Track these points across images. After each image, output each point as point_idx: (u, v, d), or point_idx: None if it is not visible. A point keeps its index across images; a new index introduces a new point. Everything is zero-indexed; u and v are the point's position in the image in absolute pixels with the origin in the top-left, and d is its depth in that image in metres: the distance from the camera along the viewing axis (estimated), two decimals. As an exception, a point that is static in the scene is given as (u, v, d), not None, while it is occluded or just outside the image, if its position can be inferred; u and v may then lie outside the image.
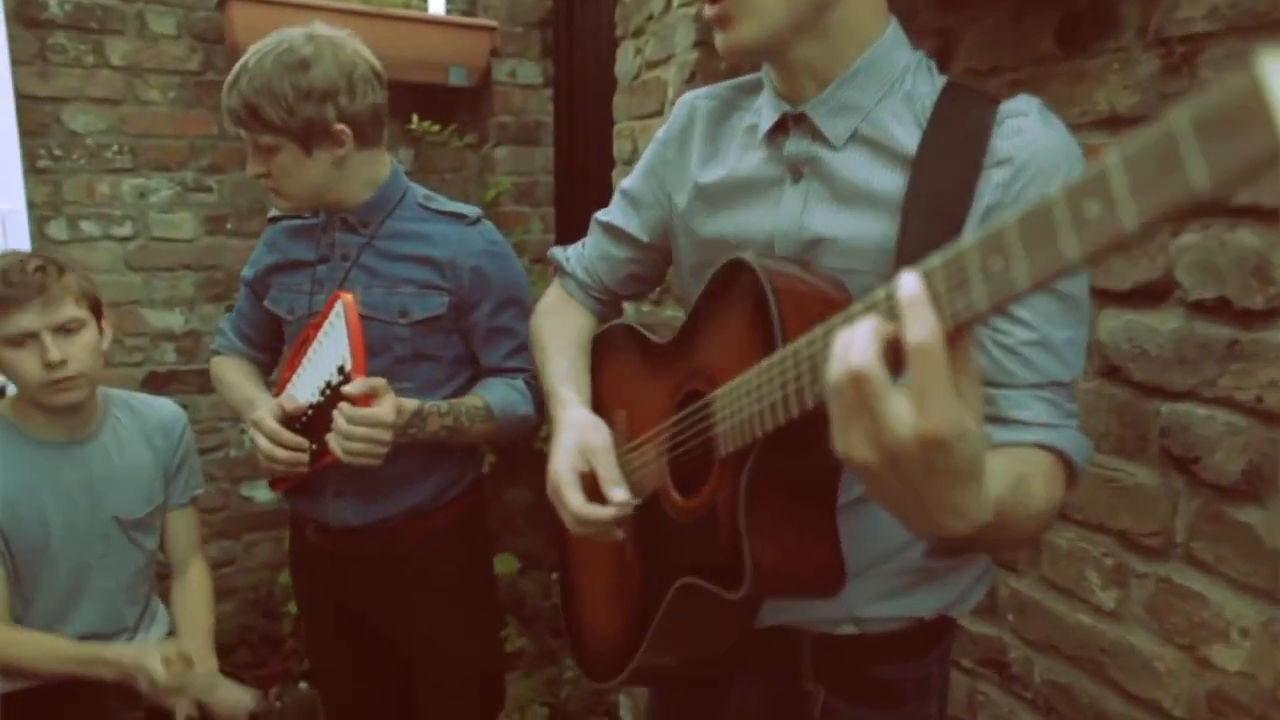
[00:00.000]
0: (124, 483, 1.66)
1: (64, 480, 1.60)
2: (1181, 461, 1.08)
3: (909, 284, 0.51)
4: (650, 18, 1.93)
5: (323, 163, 1.40)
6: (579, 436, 0.95)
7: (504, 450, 2.61)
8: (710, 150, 0.99)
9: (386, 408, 1.33)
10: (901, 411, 0.52)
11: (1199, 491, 1.07)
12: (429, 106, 2.80)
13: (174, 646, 1.57)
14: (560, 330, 1.12)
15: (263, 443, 1.42)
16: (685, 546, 0.87)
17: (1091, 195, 0.42)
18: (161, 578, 1.79)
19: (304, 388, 1.47)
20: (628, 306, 2.05)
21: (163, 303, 2.74)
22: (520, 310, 1.50)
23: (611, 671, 0.99)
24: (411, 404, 1.39)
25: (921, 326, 0.50)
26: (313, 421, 1.43)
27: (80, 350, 1.53)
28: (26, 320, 1.47)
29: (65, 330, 1.51)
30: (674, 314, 1.98)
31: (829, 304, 0.74)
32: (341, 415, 1.32)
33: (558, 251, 1.19)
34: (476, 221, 1.52)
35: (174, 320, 2.76)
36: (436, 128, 2.73)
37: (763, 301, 0.76)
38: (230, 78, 1.36)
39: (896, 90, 0.86)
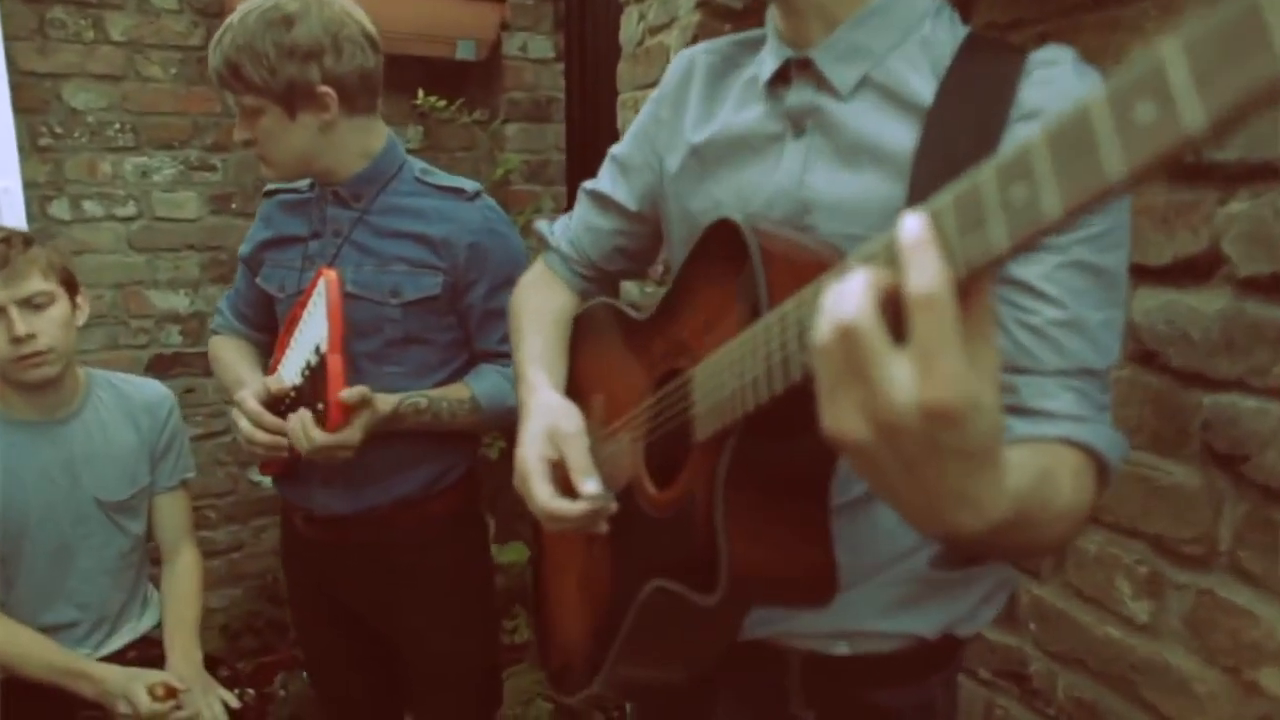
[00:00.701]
0: (105, 463, 1.62)
1: (43, 460, 1.57)
2: (1227, 460, 0.97)
3: (911, 225, 0.42)
4: (655, -20, 1.82)
5: (308, 128, 1.33)
6: (548, 421, 0.86)
7: (515, 436, 2.53)
8: (707, 110, 0.89)
9: (353, 432, 1.30)
10: (901, 376, 0.42)
11: (1246, 494, 0.96)
12: (436, 81, 2.72)
13: (160, 677, 1.51)
14: (538, 307, 1.03)
15: (244, 425, 1.39)
16: (659, 545, 0.77)
17: (1144, 93, 0.33)
18: (157, 563, 1.75)
19: (290, 369, 1.42)
20: (631, 287, 1.95)
21: (167, 284, 2.69)
22: None
23: (578, 684, 0.89)
24: (388, 404, 1.33)
25: (925, 273, 0.41)
26: (295, 404, 1.37)
27: (49, 325, 1.49)
28: None
29: (32, 305, 1.48)
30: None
31: (826, 270, 0.64)
32: (303, 433, 1.29)
33: (543, 224, 1.10)
34: (475, 196, 1.44)
35: (179, 302, 2.71)
36: (443, 103, 2.66)
37: (749, 266, 0.65)
38: (215, 36, 1.30)
39: (913, 36, 0.76)
